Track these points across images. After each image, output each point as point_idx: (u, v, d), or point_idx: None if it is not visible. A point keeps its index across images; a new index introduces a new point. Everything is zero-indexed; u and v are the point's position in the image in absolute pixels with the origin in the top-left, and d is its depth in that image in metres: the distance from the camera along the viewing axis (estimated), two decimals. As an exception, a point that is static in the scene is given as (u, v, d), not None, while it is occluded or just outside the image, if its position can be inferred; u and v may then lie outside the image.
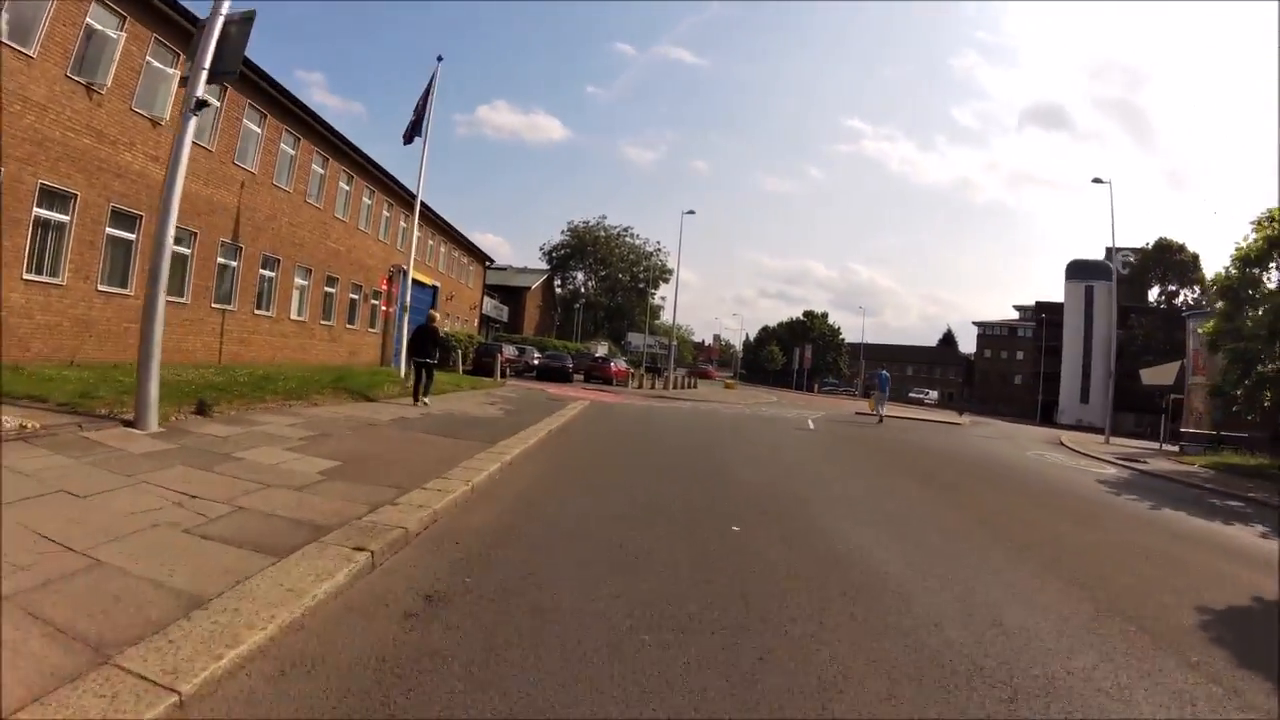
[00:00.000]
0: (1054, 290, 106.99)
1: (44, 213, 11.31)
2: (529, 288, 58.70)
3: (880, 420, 23.98)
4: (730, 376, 71.71)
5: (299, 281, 19.48)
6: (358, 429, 8.63)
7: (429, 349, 12.92)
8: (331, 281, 21.30)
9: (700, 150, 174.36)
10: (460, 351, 28.79)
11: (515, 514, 5.49)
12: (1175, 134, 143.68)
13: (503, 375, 27.31)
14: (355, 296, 22.97)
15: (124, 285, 13.02)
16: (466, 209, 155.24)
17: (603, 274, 76.84)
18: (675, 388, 36.81)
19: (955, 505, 8.02)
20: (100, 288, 12.46)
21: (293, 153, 18.51)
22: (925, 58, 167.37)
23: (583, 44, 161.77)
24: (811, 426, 18.64)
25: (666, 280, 74.86)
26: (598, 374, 33.07)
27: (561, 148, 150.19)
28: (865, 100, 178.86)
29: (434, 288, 28.71)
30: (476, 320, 39.60)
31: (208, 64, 7.68)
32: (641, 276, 74.24)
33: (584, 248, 77.32)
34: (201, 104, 7.56)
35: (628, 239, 77.23)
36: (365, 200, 23.18)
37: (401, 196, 26.04)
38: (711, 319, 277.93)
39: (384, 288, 24.46)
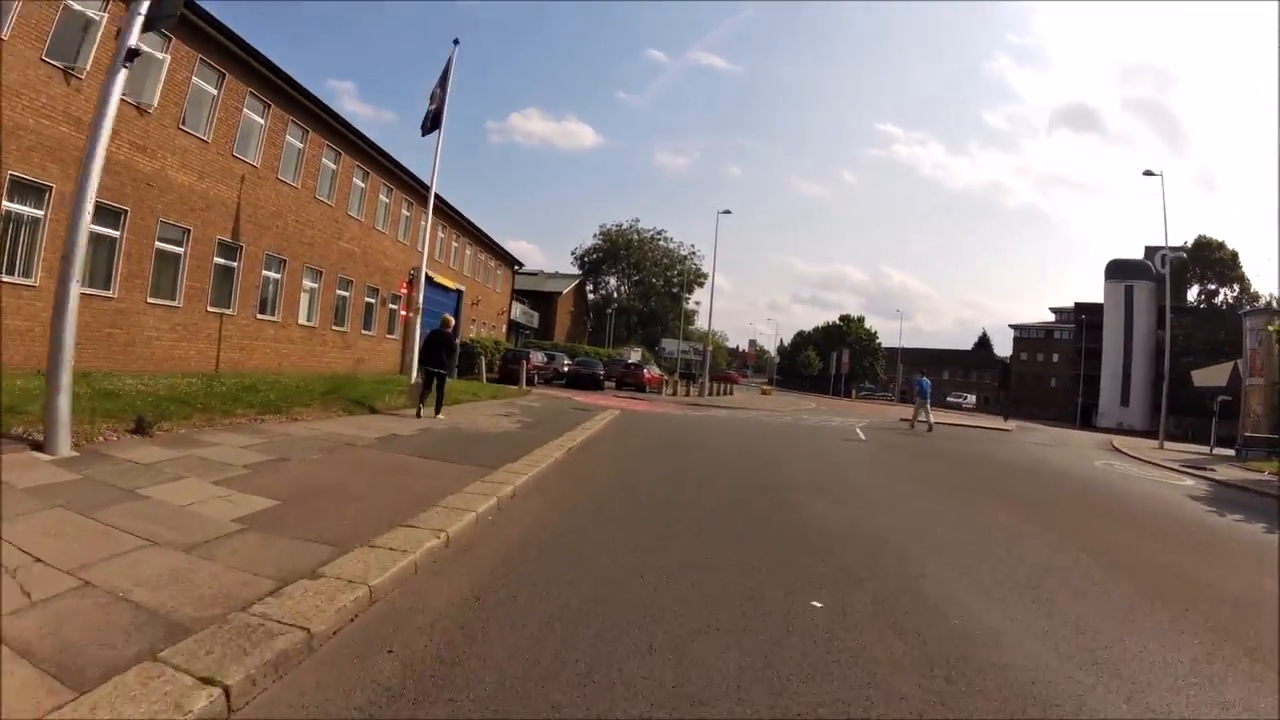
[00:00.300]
0: (1088, 292, 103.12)
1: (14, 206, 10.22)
2: (560, 293, 57.55)
3: (929, 428, 22.16)
4: (765, 382, 69.53)
5: (308, 284, 18.35)
6: (329, 451, 7.15)
7: (441, 357, 11.48)
8: (345, 285, 20.16)
9: (733, 155, 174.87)
10: (485, 359, 27.54)
11: (496, 588, 3.87)
12: (1205, 135, 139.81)
13: (530, 383, 25.95)
14: (372, 300, 21.82)
15: (107, 287, 11.92)
16: (499, 217, 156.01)
17: (636, 279, 75.29)
18: (710, 395, 35.04)
19: (1070, 544, 6.18)
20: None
21: (300, 145, 17.40)
22: (956, 61, 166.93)
23: (614, 51, 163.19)
24: (862, 437, 17.14)
25: (701, 285, 73.08)
26: (630, 381, 31.49)
27: (593, 154, 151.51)
28: (896, 104, 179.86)
29: (458, 291, 27.53)
30: (505, 326, 38.42)
31: (144, 9, 6.35)
32: (675, 281, 72.50)
33: (616, 252, 75.91)
34: (133, 54, 6.21)
35: (661, 243, 75.62)
36: (382, 198, 22.06)
37: (422, 195, 24.94)
38: (745, 324, 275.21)
39: (403, 291, 23.27)
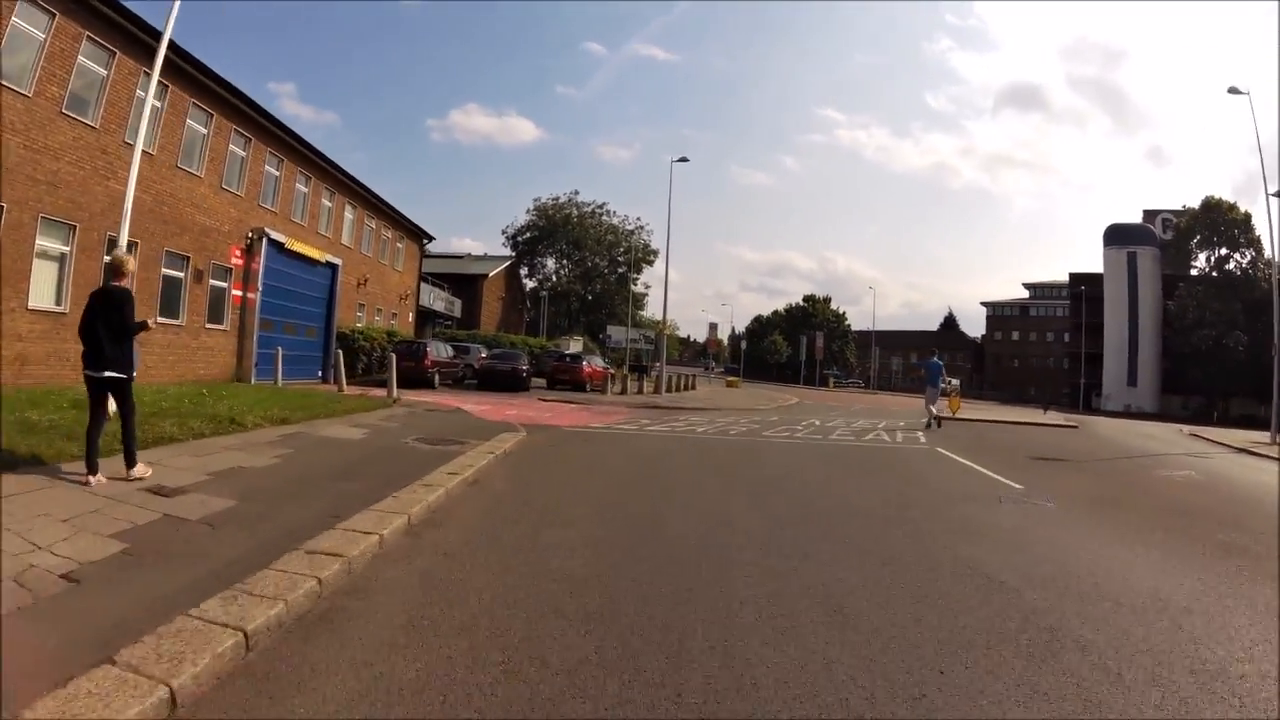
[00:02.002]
0: (1047, 270, 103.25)
1: None
2: (486, 276, 51.18)
3: (938, 423, 17.83)
4: (727, 372, 64.49)
5: (48, 245, 12.21)
6: None
7: (107, 345, 5.64)
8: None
9: (676, 147, 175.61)
10: (367, 356, 21.55)
11: None
12: (1155, 111, 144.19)
13: (420, 385, 20.16)
14: (176, 274, 15.57)
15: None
16: (442, 214, 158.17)
17: (576, 258, 69.25)
18: (669, 390, 29.86)
19: None
20: None
21: (28, 29, 11.26)
22: (897, 44, 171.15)
23: (553, 44, 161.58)
24: (1009, 483, 9.53)
25: (651, 263, 67.61)
26: (564, 377, 25.84)
27: (534, 149, 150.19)
28: (838, 88, 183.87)
29: (330, 266, 21.41)
30: (412, 314, 32.26)
31: None
32: (622, 260, 66.73)
33: (554, 230, 69.66)
34: None
35: (605, 217, 69.47)
36: (195, 125, 15.86)
37: (276, 135, 18.86)
38: (696, 314, 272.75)
39: (236, 262, 17.15)
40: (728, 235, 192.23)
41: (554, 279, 70.24)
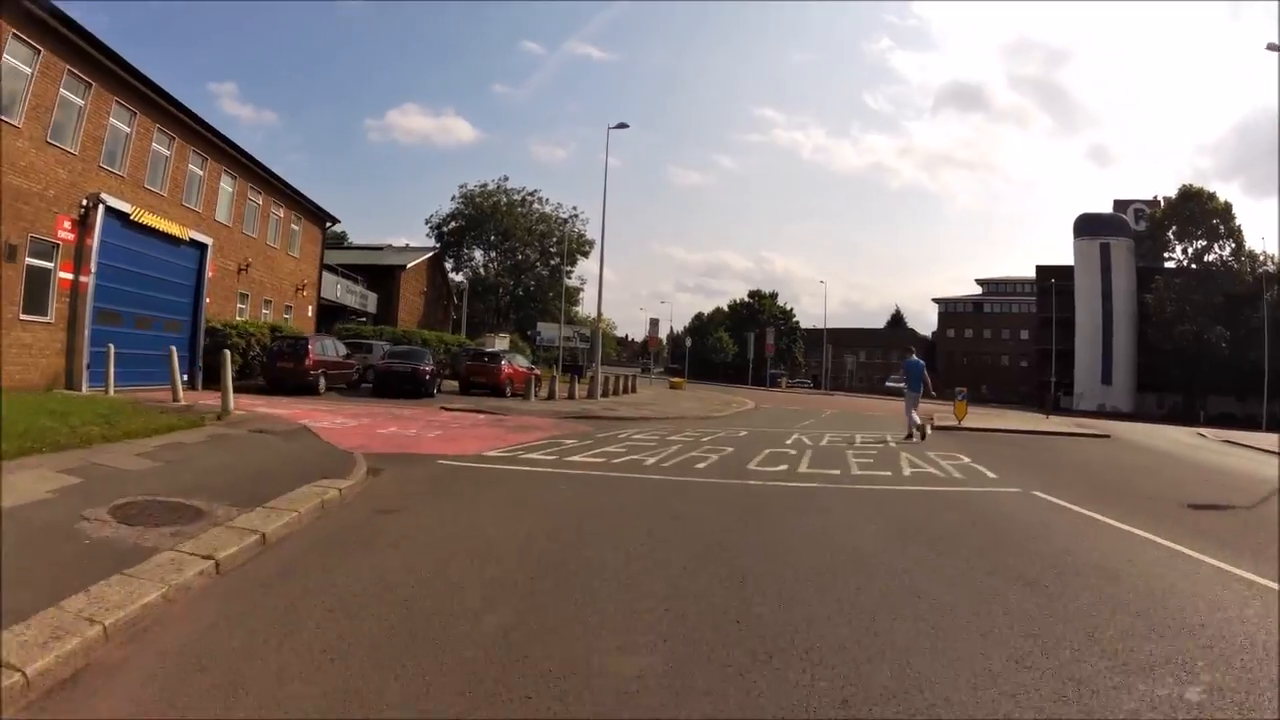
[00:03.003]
0: (989, 268, 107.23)
1: None
2: (404, 267, 47.74)
3: (922, 436, 14.92)
4: (662, 372, 62.41)
5: None
6: None
7: None
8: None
9: (612, 147, 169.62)
10: (242, 354, 18.60)
11: None
12: (1099, 110, 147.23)
13: (309, 391, 17.44)
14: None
15: None
16: (381, 216, 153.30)
17: (505, 248, 65.95)
18: (606, 394, 27.70)
19: None
20: None
21: None
22: (836, 44, 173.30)
23: (490, 43, 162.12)
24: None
25: (586, 254, 64.76)
26: (480, 380, 23.18)
27: (471, 149, 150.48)
28: (776, 89, 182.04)
29: (198, 245, 18.27)
30: (312, 308, 29.00)
31: None
32: (554, 251, 63.86)
33: (482, 219, 66.16)
34: None
35: (536, 205, 66.02)
36: (15, 63, 12.73)
37: (139, 90, 15.77)
38: (633, 314, 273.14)
39: (66, 236, 14.05)
40: (664, 236, 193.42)
41: (482, 272, 67.06)
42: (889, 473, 10.11)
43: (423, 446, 10.78)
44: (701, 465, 10.05)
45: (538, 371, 25.43)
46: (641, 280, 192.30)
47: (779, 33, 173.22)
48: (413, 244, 60.12)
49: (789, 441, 14.05)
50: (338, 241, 73.33)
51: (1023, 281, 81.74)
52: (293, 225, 26.64)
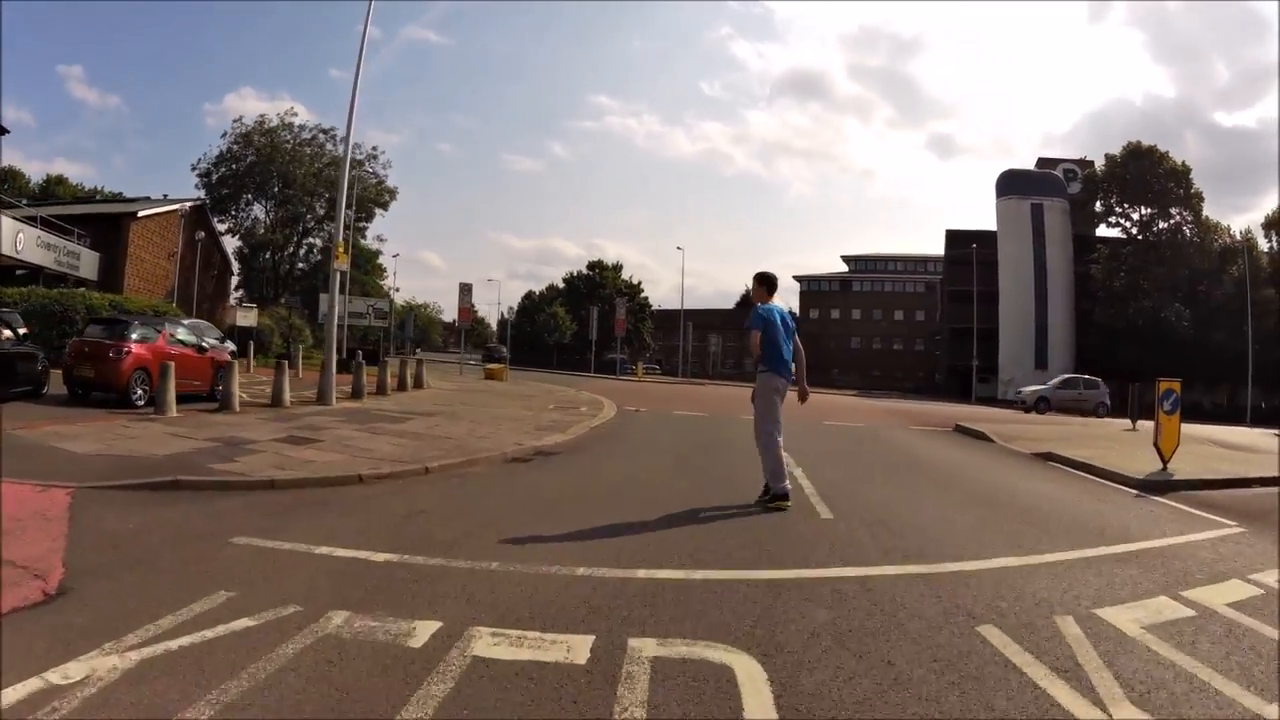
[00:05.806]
0: (821, 255, 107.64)
1: None
2: (134, 215, 35.93)
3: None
4: (487, 357, 52.07)
5: None
6: None
7: None
8: None
9: (445, 133, 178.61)
10: None
11: None
12: (943, 101, 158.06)
13: None
14: None
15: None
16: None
17: (284, 198, 54.11)
18: (390, 389, 19.31)
19: None
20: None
21: None
22: (675, 31, 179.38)
23: (328, 27, 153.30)
24: None
25: (385, 206, 54.48)
26: (86, 375, 12.98)
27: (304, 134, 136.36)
28: (612, 75, 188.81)
29: None
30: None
31: None
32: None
33: (262, 164, 53.33)
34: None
35: (330, 147, 53.43)
36: None
37: None
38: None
39: None
40: (495, 222, 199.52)
41: (261, 231, 54.45)
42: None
43: None
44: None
45: (226, 357, 15.87)
46: (473, 266, 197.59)
47: (617, 19, 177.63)
48: (174, 195, 47.24)
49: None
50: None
51: (897, 259, 79.83)
52: None
